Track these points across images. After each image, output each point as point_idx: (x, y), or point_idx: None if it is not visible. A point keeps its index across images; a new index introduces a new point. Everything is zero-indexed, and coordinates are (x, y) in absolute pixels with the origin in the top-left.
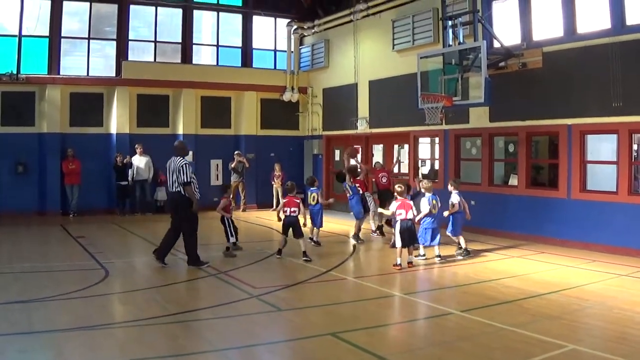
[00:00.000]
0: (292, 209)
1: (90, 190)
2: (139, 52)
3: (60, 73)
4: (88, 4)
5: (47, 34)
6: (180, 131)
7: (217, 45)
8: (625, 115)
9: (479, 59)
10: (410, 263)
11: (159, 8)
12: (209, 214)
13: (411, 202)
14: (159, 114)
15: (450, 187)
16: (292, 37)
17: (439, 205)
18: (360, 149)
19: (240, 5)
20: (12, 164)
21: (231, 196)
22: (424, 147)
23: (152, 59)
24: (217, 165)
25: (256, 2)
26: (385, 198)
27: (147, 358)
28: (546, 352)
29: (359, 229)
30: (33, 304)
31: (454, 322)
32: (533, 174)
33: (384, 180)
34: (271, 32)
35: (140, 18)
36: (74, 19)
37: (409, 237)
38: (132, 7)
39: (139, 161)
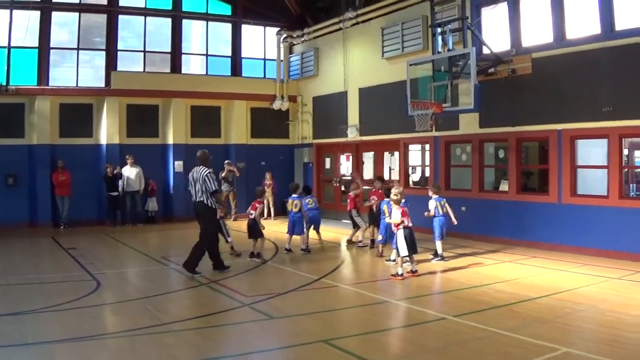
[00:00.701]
0: (250, 212)
1: (81, 201)
2: (129, 62)
3: (50, 84)
4: (77, 14)
5: (37, 45)
6: (170, 141)
7: (207, 55)
8: (615, 120)
9: (468, 66)
10: (414, 272)
11: (147, 18)
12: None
13: (406, 209)
14: (149, 124)
15: (430, 192)
16: (282, 45)
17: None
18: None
19: (230, 14)
20: (2, 176)
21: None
22: (415, 154)
23: (142, 69)
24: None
25: (245, 11)
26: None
27: None
28: (539, 356)
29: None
30: (24, 316)
31: (447, 327)
32: (523, 180)
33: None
34: (260, 41)
35: (129, 28)
36: (63, 30)
37: (412, 245)
38: (120, 17)
39: (130, 172)
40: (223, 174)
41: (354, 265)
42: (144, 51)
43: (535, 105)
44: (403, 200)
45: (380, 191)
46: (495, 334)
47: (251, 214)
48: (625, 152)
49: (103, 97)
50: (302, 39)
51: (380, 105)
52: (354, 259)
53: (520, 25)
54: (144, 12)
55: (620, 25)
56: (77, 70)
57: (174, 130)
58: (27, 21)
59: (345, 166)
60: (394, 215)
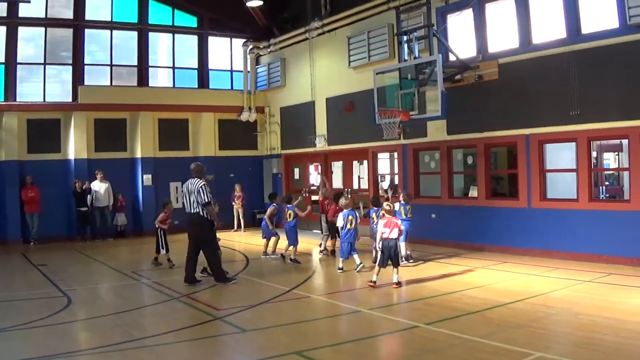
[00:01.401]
0: None
1: (51, 217)
2: (96, 76)
3: (17, 99)
4: (43, 29)
5: (3, 60)
6: (139, 154)
7: (173, 67)
8: (583, 123)
9: (435, 73)
10: (397, 284)
11: (114, 31)
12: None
13: (398, 221)
14: (117, 138)
15: (401, 198)
16: (248, 56)
17: (357, 220)
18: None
19: (196, 26)
20: None
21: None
22: (383, 163)
23: (109, 83)
24: (177, 187)
25: (211, 22)
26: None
27: None
28: None
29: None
30: None
31: (419, 335)
32: (493, 185)
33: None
34: (227, 52)
35: (96, 42)
36: (30, 45)
37: (389, 257)
38: (87, 31)
39: (99, 187)
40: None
41: (325, 275)
42: (111, 65)
43: (502, 111)
44: (349, 210)
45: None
46: (469, 341)
47: None
48: (594, 154)
49: (70, 112)
50: (269, 49)
51: (348, 114)
52: (325, 269)
53: (486, 31)
54: (110, 25)
55: (586, 28)
56: (45, 85)
57: (142, 144)
58: None
59: (314, 176)
60: (379, 225)
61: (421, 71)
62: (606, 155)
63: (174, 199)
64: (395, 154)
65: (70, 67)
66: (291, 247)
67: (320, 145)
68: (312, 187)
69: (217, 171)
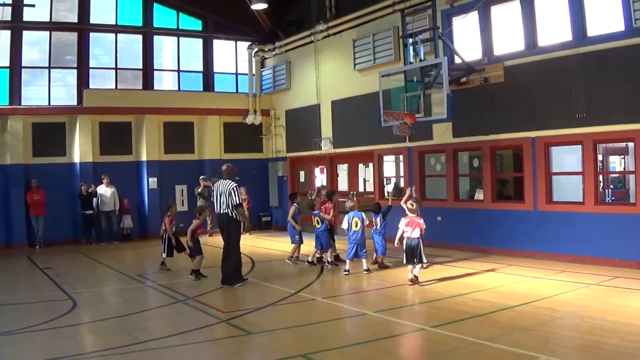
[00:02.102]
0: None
1: (56, 220)
2: (101, 80)
3: (22, 103)
4: (48, 33)
5: (8, 64)
6: (144, 157)
7: (178, 71)
8: (589, 126)
9: (440, 76)
10: (413, 279)
11: (119, 35)
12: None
13: (420, 221)
14: (122, 141)
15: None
16: (253, 60)
17: (364, 222)
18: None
19: (200, 29)
20: None
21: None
22: (389, 165)
23: (114, 86)
24: (182, 190)
25: (216, 26)
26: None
27: None
28: None
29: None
30: (0, 338)
31: (426, 338)
32: (499, 188)
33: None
34: (232, 55)
35: (101, 45)
36: (35, 49)
37: (412, 255)
38: (91, 34)
39: (105, 191)
40: (199, 190)
41: (331, 278)
42: (116, 68)
43: (508, 114)
44: (354, 212)
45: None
46: (474, 344)
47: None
48: (600, 157)
49: (75, 116)
50: (274, 52)
51: (353, 117)
52: (331, 272)
53: (492, 33)
54: (115, 29)
55: (591, 31)
56: (49, 89)
57: (148, 147)
58: None
59: (320, 179)
60: (400, 223)
61: (427, 74)
62: (612, 158)
63: (179, 202)
64: (401, 157)
65: (75, 71)
66: (325, 251)
67: (326, 148)
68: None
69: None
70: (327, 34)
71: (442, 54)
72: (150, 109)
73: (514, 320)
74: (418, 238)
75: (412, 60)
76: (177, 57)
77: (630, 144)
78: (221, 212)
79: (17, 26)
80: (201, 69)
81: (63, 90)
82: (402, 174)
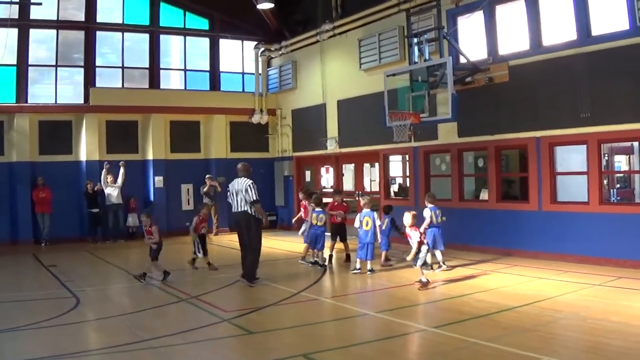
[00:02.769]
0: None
1: (62, 218)
2: (107, 79)
3: (29, 101)
4: (55, 31)
5: (15, 62)
6: (150, 156)
7: (185, 70)
8: (593, 126)
9: (445, 75)
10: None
11: (125, 34)
12: (180, 238)
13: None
14: (128, 139)
15: (425, 202)
16: (260, 59)
17: (375, 222)
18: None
19: (207, 29)
20: None
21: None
22: (395, 165)
23: (120, 85)
24: (188, 189)
25: (223, 25)
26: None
27: None
28: None
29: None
30: (3, 334)
31: (427, 338)
32: (504, 188)
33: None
34: (238, 54)
35: (108, 44)
36: (42, 47)
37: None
38: (98, 33)
39: (112, 190)
40: (205, 189)
41: (335, 278)
42: (122, 67)
43: (513, 113)
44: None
45: (344, 204)
46: (475, 345)
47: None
48: (605, 157)
49: (82, 114)
50: (280, 52)
51: (359, 116)
52: (334, 271)
53: (497, 33)
54: (122, 28)
55: (596, 30)
56: (56, 87)
57: (154, 146)
58: (5, 38)
59: (326, 178)
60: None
61: (432, 73)
62: (617, 157)
63: (184, 201)
64: (407, 157)
65: (82, 69)
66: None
67: (332, 147)
68: (323, 190)
69: (228, 173)
70: (333, 33)
71: (447, 54)
72: (156, 108)
73: (516, 320)
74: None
75: (417, 60)
76: (184, 56)
77: (636, 143)
78: (239, 210)
79: (24, 24)
80: (208, 68)
81: (70, 88)
82: (407, 173)
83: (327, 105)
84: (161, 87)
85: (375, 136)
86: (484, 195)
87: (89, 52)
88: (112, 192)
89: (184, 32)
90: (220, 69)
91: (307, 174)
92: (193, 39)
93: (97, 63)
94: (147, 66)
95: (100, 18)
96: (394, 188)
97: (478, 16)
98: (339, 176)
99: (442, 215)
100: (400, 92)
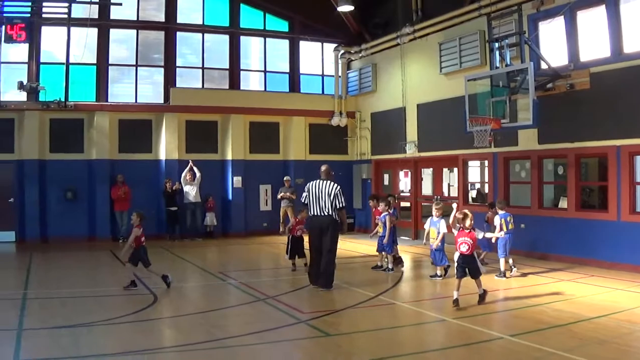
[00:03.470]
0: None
1: None
2: (186, 79)
3: (109, 100)
4: (135, 31)
5: (95, 61)
6: (229, 157)
7: (265, 71)
8: None
9: (526, 81)
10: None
11: (205, 35)
12: (257, 239)
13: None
14: (208, 139)
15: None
16: (340, 61)
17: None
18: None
19: (287, 30)
20: (61, 191)
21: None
22: (473, 170)
23: (200, 86)
24: (266, 190)
25: (303, 27)
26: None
27: None
28: None
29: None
30: (81, 329)
31: (502, 346)
32: (583, 196)
33: None
34: (318, 57)
35: (187, 45)
36: (121, 47)
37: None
38: (179, 33)
39: (190, 188)
40: (279, 195)
41: (412, 283)
42: (202, 68)
43: (593, 121)
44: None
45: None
46: (551, 355)
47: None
48: None
49: (162, 113)
50: (360, 54)
51: (438, 121)
52: (413, 276)
53: (578, 39)
54: (202, 29)
55: None
56: (136, 87)
57: (233, 146)
58: (86, 38)
59: (404, 182)
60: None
61: (512, 79)
62: None
63: (262, 202)
64: (486, 162)
65: (161, 69)
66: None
67: (411, 151)
68: (401, 193)
69: (307, 175)
70: (414, 36)
71: (528, 59)
72: (236, 109)
73: (593, 332)
74: (466, 255)
75: (498, 64)
76: (264, 57)
77: None
78: (322, 214)
79: (104, 24)
80: (287, 70)
81: (149, 88)
82: (486, 179)
83: (406, 108)
84: (241, 88)
85: (455, 141)
86: (563, 203)
87: (169, 53)
88: (191, 190)
89: (264, 33)
90: (300, 71)
91: (386, 177)
92: (273, 40)
93: (177, 63)
94: (227, 67)
95: (180, 19)
96: (472, 194)
97: (559, 22)
98: (417, 180)
99: (512, 222)
100: (480, 97)
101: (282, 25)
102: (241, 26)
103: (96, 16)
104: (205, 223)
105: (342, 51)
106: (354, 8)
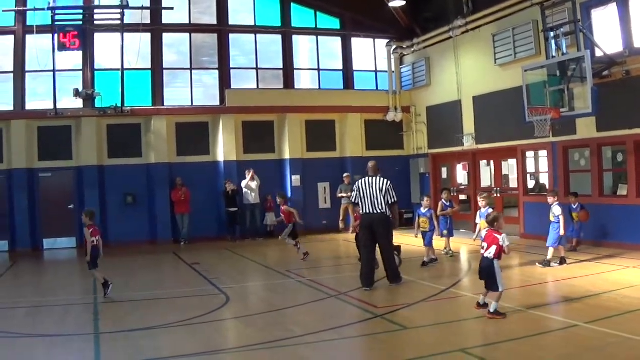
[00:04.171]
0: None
1: (200, 217)
2: (239, 80)
3: (165, 104)
4: (187, 35)
5: (149, 66)
6: (287, 156)
7: (318, 69)
8: None
9: (582, 69)
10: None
11: (258, 35)
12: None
13: (499, 237)
14: (265, 139)
15: (550, 199)
16: (392, 57)
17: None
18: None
19: (339, 28)
20: (121, 195)
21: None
22: (531, 161)
23: (254, 86)
24: (325, 188)
25: (354, 24)
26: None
27: None
28: None
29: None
30: (157, 330)
31: (579, 334)
32: None
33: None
34: (371, 53)
35: (239, 46)
36: (173, 50)
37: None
38: (231, 35)
39: (250, 187)
40: (338, 195)
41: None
42: (257, 68)
43: None
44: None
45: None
46: (628, 340)
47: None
48: None
49: (218, 115)
50: (412, 49)
51: (495, 112)
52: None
53: (632, 25)
54: (254, 30)
55: None
56: (192, 90)
57: (290, 146)
58: (139, 43)
59: (462, 175)
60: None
61: (568, 67)
62: None
63: (321, 200)
64: (545, 152)
65: (216, 72)
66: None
67: (468, 144)
68: (460, 187)
69: (365, 171)
70: (466, 29)
71: (584, 47)
72: (291, 108)
73: None
74: (492, 258)
75: (554, 54)
76: (317, 55)
77: None
78: (375, 212)
79: (156, 29)
80: (340, 67)
81: (203, 90)
82: (546, 169)
83: (462, 101)
84: (295, 87)
85: (513, 132)
86: (622, 190)
87: (222, 54)
88: (251, 192)
89: (316, 32)
90: (354, 68)
91: (444, 170)
92: (325, 38)
93: (230, 65)
94: (281, 67)
95: (231, 21)
96: (530, 184)
97: (612, 9)
98: (476, 173)
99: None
100: (534, 87)
101: (334, 23)
102: (293, 25)
103: (148, 21)
104: (266, 223)
105: (395, 46)
106: (405, 3)
